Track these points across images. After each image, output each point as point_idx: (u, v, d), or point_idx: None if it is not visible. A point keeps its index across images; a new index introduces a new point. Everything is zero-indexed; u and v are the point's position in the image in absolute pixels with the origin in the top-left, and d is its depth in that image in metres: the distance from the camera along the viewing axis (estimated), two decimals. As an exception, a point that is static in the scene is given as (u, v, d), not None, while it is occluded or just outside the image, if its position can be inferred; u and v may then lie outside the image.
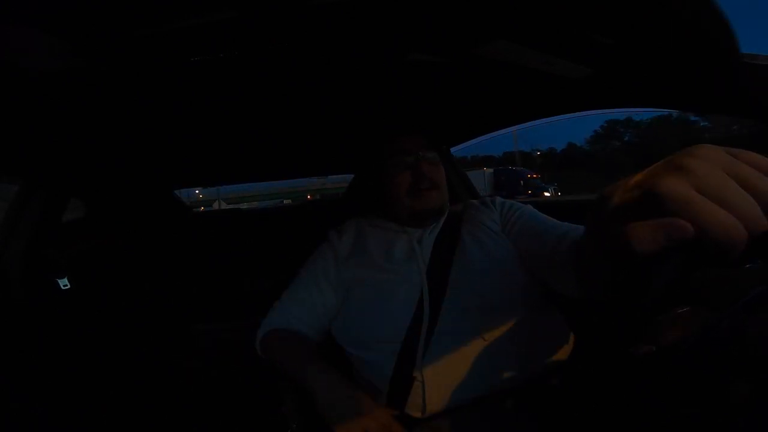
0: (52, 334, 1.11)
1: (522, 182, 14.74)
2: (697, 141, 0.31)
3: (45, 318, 1.11)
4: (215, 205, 13.20)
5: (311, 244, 0.86)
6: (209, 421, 1.31)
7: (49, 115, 0.76)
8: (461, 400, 0.63)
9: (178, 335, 1.54)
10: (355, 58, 0.70)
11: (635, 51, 0.60)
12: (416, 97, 0.97)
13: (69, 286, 1.20)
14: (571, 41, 0.61)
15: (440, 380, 0.64)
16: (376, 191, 0.84)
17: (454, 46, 0.66)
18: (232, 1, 0.48)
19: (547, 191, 14.51)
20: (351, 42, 0.63)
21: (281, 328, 0.76)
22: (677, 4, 0.45)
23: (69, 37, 0.50)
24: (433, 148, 0.79)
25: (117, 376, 1.29)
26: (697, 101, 0.69)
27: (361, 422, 0.58)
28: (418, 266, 0.73)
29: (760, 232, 0.24)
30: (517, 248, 0.74)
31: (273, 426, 0.74)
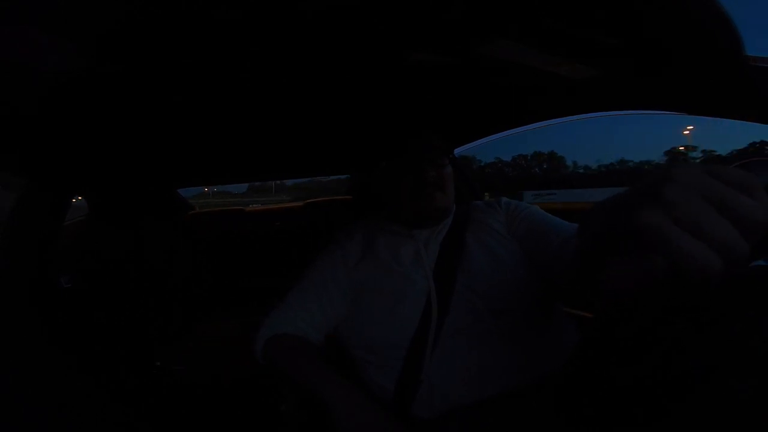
0: (54, 333, 1.12)
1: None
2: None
3: (47, 317, 1.11)
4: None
5: (314, 244, 0.86)
6: (208, 419, 1.32)
7: (52, 115, 0.77)
8: (469, 401, 0.63)
9: (176, 334, 1.55)
10: (358, 59, 0.70)
11: (641, 52, 0.60)
12: (420, 98, 0.96)
13: (71, 285, 1.20)
14: (577, 42, 0.60)
15: (448, 381, 0.64)
16: (380, 193, 0.83)
17: (457, 46, 0.65)
18: (237, 2, 0.48)
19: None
20: (353, 42, 0.63)
21: (286, 332, 0.74)
22: (683, 5, 0.45)
23: (73, 37, 0.51)
24: (438, 148, 0.79)
25: (116, 376, 1.29)
26: (703, 104, 0.69)
27: None
28: (424, 270, 0.73)
29: (738, 257, 0.23)
30: (523, 249, 0.73)
31: (272, 424, 0.74)
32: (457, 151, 1.54)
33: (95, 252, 1.47)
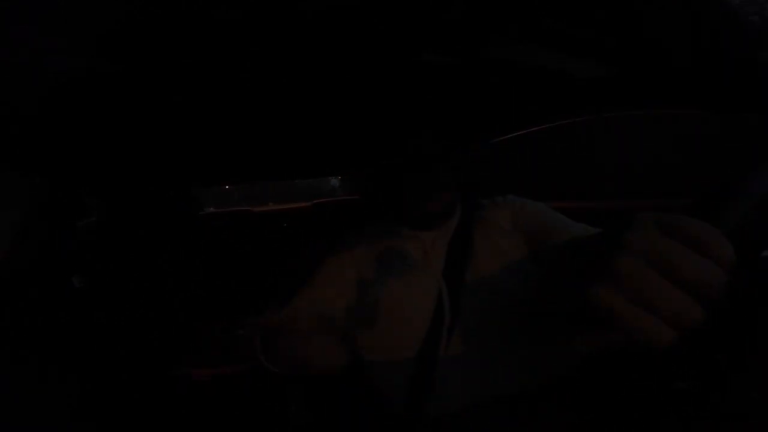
0: (61, 333, 1.12)
1: None
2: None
3: (57, 317, 1.11)
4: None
5: (322, 245, 0.86)
6: (214, 422, 1.32)
7: (51, 115, 0.77)
8: (480, 401, 0.63)
9: (182, 335, 1.55)
10: (358, 59, 0.70)
11: (657, 50, 0.58)
12: (421, 98, 0.96)
13: (82, 285, 1.20)
14: (592, 40, 0.59)
15: (460, 380, 0.64)
16: (383, 194, 0.83)
17: (457, 46, 0.65)
18: (237, 2, 0.48)
19: None
20: (353, 42, 0.63)
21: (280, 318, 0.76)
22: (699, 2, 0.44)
23: (73, 37, 0.51)
24: (443, 147, 0.79)
25: (121, 376, 1.29)
26: (721, 101, 0.67)
27: None
28: (433, 271, 0.73)
29: (693, 325, 0.24)
30: (528, 247, 0.73)
31: (277, 425, 0.74)
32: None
33: (100, 253, 1.48)
